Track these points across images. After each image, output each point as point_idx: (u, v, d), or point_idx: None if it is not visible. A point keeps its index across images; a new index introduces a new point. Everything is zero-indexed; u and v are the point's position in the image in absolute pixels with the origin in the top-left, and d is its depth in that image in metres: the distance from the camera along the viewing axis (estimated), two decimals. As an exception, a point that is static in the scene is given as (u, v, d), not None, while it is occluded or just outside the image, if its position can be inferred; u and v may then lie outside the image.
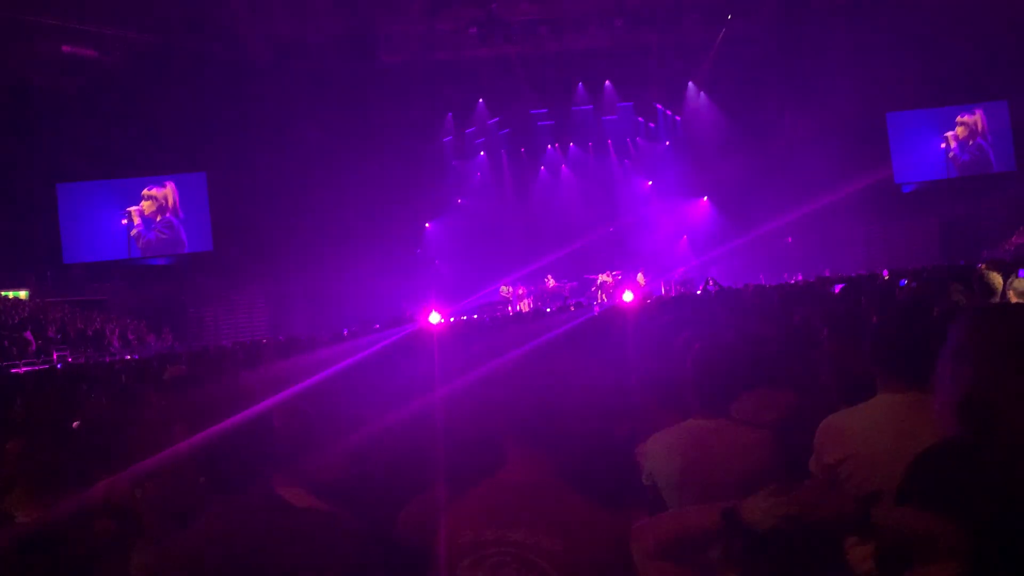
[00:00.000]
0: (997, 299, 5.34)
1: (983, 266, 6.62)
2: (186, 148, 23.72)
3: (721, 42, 24.50)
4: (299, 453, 2.50)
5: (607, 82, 25.68)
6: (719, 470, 2.69)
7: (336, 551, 1.95)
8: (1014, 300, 5.22)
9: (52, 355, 18.75)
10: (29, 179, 22.76)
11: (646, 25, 23.74)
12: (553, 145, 26.72)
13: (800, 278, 19.89)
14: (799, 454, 2.75)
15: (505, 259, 24.87)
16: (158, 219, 24.90)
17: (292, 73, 23.04)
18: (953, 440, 1.66)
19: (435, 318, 15.07)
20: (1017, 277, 5.59)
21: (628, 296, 22.92)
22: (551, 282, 24.03)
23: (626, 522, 2.04)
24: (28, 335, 19.39)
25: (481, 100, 25.77)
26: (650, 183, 26.79)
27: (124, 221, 24.41)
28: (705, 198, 25.93)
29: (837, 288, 9.01)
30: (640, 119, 26.92)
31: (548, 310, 19.97)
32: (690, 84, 26.17)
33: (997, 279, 5.43)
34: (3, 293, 22.27)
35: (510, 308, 22.66)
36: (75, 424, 4.89)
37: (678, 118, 26.65)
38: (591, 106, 26.37)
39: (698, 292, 16.64)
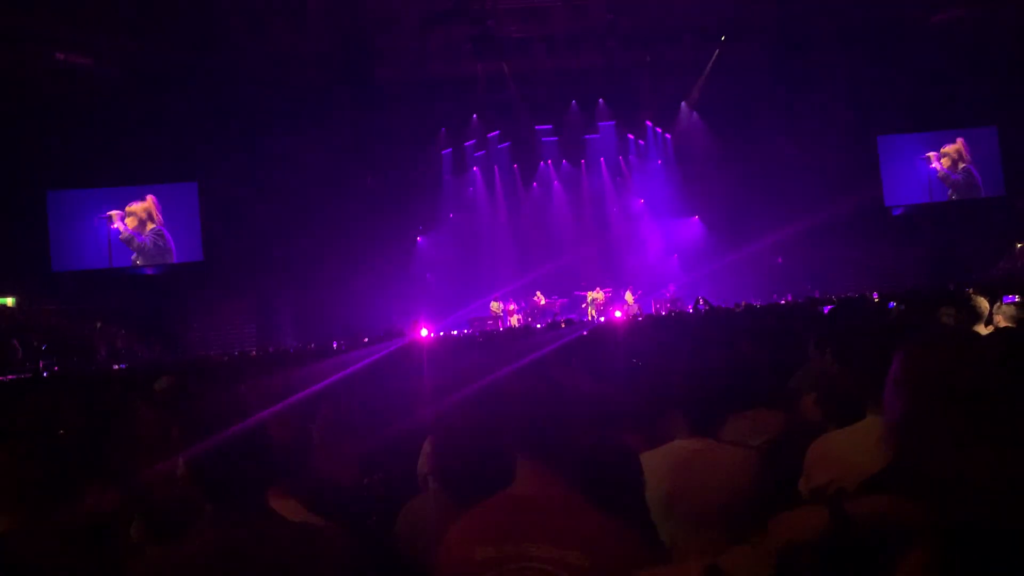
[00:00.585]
0: (983, 323, 5.37)
1: (971, 290, 6.67)
2: (177, 158, 23.66)
3: (714, 63, 24.67)
4: (294, 465, 2.49)
5: (600, 100, 25.79)
6: (707, 492, 2.68)
7: (330, 565, 1.95)
8: (1002, 324, 5.26)
9: (39, 363, 18.62)
10: (19, 186, 22.65)
11: (640, 45, 23.87)
12: (545, 162, 26.79)
13: (790, 298, 19.96)
14: (788, 476, 2.75)
15: (496, 275, 24.89)
16: (147, 230, 24.83)
17: (285, 85, 23.05)
18: (888, 469, 1.70)
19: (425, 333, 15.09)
20: (1003, 302, 5.63)
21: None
22: (541, 299, 24.05)
23: (639, 533, 2.04)
24: (15, 343, 19.27)
25: (475, 115, 25.85)
26: (641, 201, 26.86)
27: (113, 226, 24.29)
28: (696, 217, 26.02)
29: (826, 309, 9.05)
30: (631, 137, 27.03)
31: (538, 326, 20.00)
32: (682, 104, 26.32)
33: (984, 303, 5.47)
34: (-9, 301, 22.16)
35: (500, 324, 22.64)
36: (60, 432, 4.86)
37: (669, 137, 26.78)
38: (583, 124, 26.46)
39: (688, 311, 16.67)
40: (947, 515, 1.50)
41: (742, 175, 24.47)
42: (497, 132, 26.24)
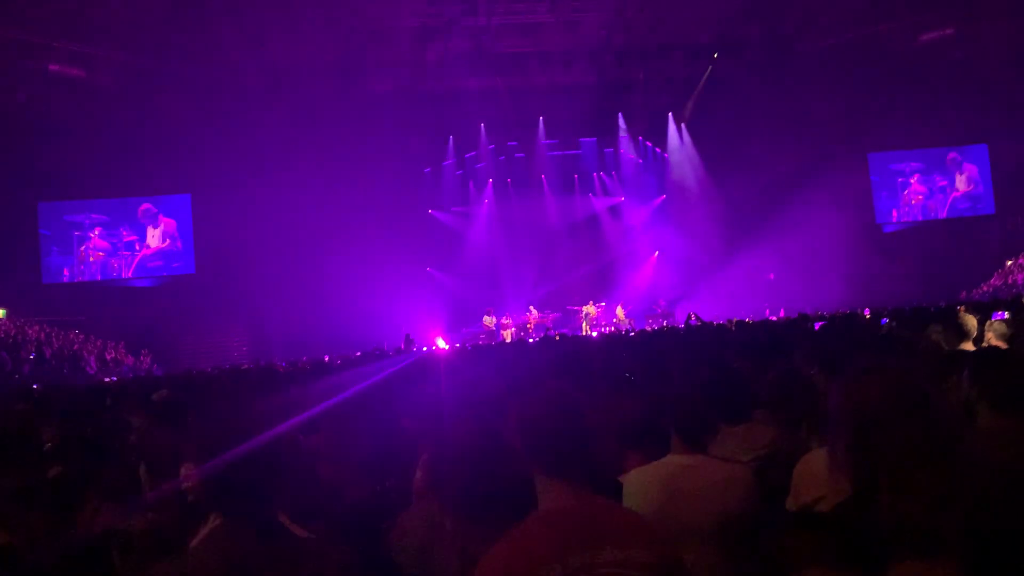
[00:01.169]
0: (971, 341, 5.40)
1: (961, 308, 6.70)
2: (171, 170, 23.62)
3: (707, 80, 24.81)
4: (298, 484, 2.50)
5: (594, 117, 25.82)
6: (698, 506, 2.69)
7: None
8: (993, 342, 5.28)
9: (28, 376, 18.53)
10: (10, 197, 22.59)
11: (634, 61, 24.01)
12: (539, 176, 26.84)
13: (782, 314, 20.01)
14: (778, 491, 2.76)
15: (490, 288, 24.89)
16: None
17: (281, 98, 23.05)
18: (848, 502, 1.74)
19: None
20: (993, 319, 5.66)
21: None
22: (534, 313, 24.05)
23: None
24: (4, 355, 19.17)
25: (468, 129, 25.91)
26: (635, 217, 26.93)
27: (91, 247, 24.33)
28: (688, 233, 26.06)
29: (818, 326, 9.08)
30: (626, 154, 27.12)
31: (531, 340, 19.99)
32: (675, 120, 26.45)
33: (972, 321, 5.50)
34: (-20, 312, 22.05)
35: (493, 338, 22.63)
36: (47, 444, 4.84)
37: (664, 153, 26.88)
38: (577, 139, 26.55)
39: (680, 327, 16.69)
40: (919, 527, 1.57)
41: (734, 191, 24.58)
42: (490, 147, 26.29)
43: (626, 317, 23.79)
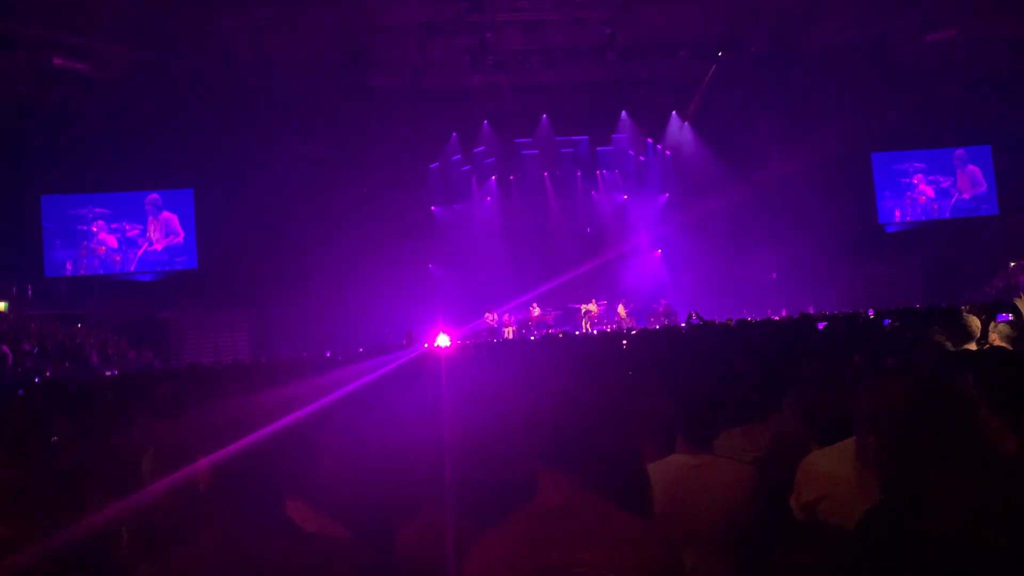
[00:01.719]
0: (974, 342, 5.39)
1: (964, 309, 6.69)
2: (174, 164, 23.63)
3: (711, 78, 24.78)
4: (310, 472, 2.50)
5: (597, 114, 25.86)
6: (702, 505, 2.69)
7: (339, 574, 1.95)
8: (997, 343, 5.27)
9: (30, 369, 18.54)
10: (13, 189, 22.61)
11: (638, 59, 23.97)
12: (542, 174, 26.84)
13: (784, 314, 20.00)
14: (781, 490, 2.76)
15: (491, 286, 24.88)
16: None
17: (284, 93, 23.07)
18: (885, 504, 1.71)
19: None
20: (998, 321, 5.64)
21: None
22: (536, 310, 24.05)
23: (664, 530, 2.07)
24: (5, 349, 19.17)
25: (471, 126, 25.92)
26: (638, 215, 26.91)
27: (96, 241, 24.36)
28: (691, 231, 26.04)
29: (820, 326, 9.07)
30: (629, 151, 27.12)
31: (532, 338, 20.00)
32: (678, 119, 26.44)
33: (975, 322, 5.49)
34: (-18, 305, 22.07)
35: (495, 335, 22.64)
36: (53, 439, 4.85)
37: (667, 151, 26.87)
38: (582, 137, 26.55)
39: (682, 326, 16.68)
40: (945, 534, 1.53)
41: (737, 190, 24.57)
42: (493, 144, 26.29)
43: (628, 315, 23.79)
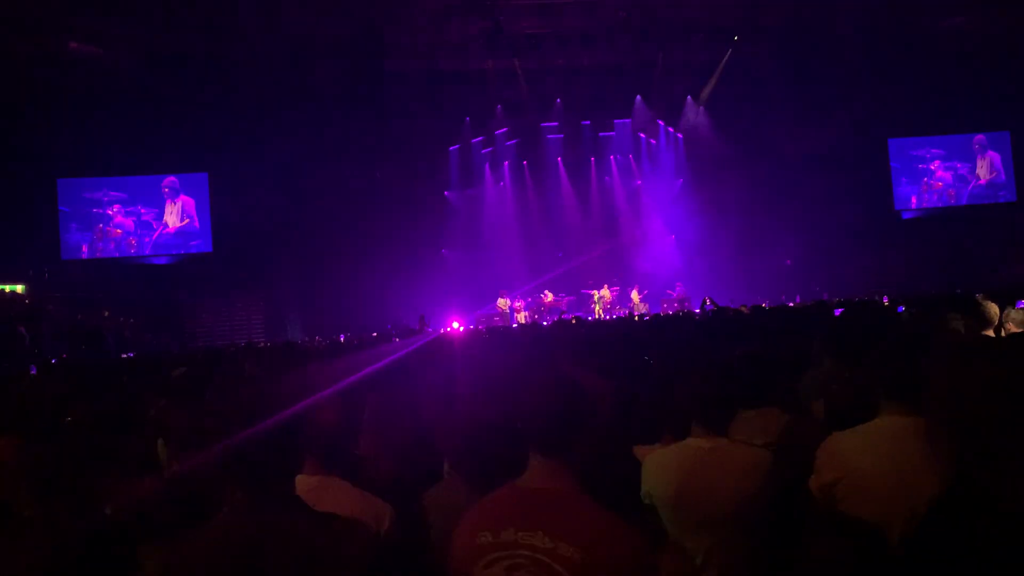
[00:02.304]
0: (992, 329, 5.35)
1: (980, 295, 6.64)
2: (188, 148, 23.70)
3: (726, 63, 24.59)
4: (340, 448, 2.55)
5: (609, 98, 25.69)
6: (716, 490, 2.68)
7: (352, 553, 1.97)
8: (1013, 330, 5.24)
9: (46, 351, 18.71)
10: (30, 173, 22.74)
11: (652, 43, 23.80)
12: (555, 159, 26.76)
13: (799, 300, 19.93)
14: (796, 475, 2.75)
15: (504, 271, 24.89)
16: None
17: (298, 77, 23.07)
18: (963, 484, 1.67)
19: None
20: (1015, 307, 5.60)
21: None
22: (548, 296, 24.04)
23: (642, 534, 2.06)
24: (22, 331, 19.34)
25: (484, 111, 25.83)
26: (652, 200, 26.80)
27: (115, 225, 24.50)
28: (705, 217, 25.92)
29: (836, 312, 9.02)
30: (643, 136, 26.99)
31: (545, 323, 20.01)
32: (693, 104, 26.25)
33: (993, 309, 5.45)
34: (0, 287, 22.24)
35: (507, 321, 22.65)
36: (67, 420, 4.89)
37: (681, 136, 26.72)
38: (595, 121, 26.43)
39: (696, 311, 16.64)
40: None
41: (752, 176, 24.40)
42: (507, 128, 26.21)
43: (641, 301, 23.74)
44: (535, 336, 9.04)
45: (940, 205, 26.79)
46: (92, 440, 3.75)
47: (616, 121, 26.55)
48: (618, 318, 18.87)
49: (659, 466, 2.83)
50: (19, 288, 22.65)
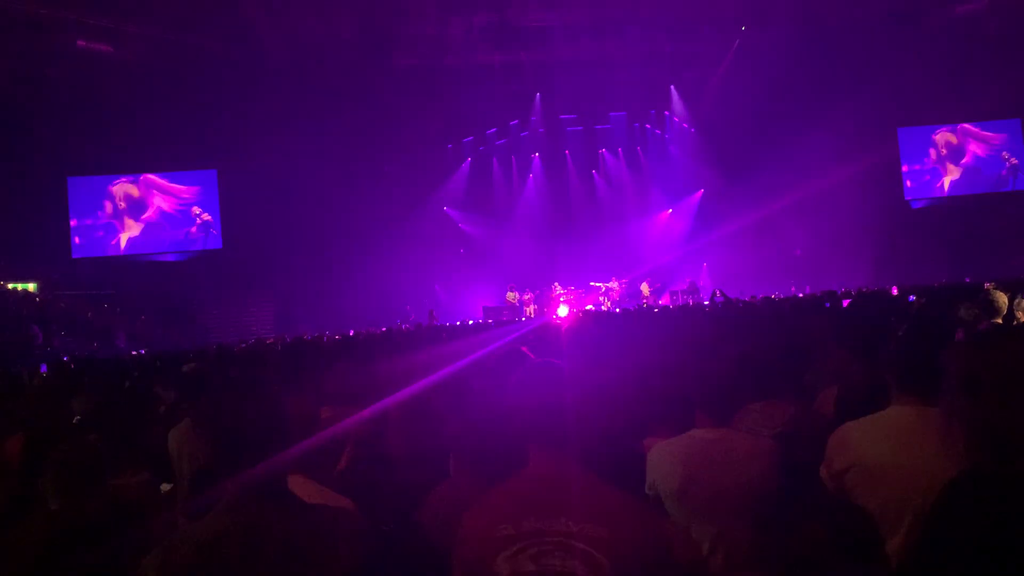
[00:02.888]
0: (1002, 319, 5.34)
1: (990, 285, 6.62)
2: (198, 145, 23.76)
3: (734, 53, 24.48)
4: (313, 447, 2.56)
5: (619, 90, 25.59)
6: (721, 480, 2.69)
7: (346, 545, 1.99)
8: (1022, 319, 5.22)
9: (58, 348, 18.83)
10: (40, 171, 22.85)
11: (660, 34, 23.70)
12: (564, 152, 26.73)
13: (808, 291, 19.87)
14: (801, 465, 2.76)
15: (513, 264, 24.90)
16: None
17: (306, 73, 23.08)
18: (977, 469, 1.66)
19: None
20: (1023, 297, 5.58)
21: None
22: (557, 289, 24.02)
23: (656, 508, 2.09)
24: (35, 328, 19.48)
25: (494, 104, 25.75)
26: (660, 193, 26.74)
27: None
28: (714, 208, 25.83)
29: (845, 303, 9.00)
30: (651, 127, 26.92)
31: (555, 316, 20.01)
32: (702, 95, 26.13)
33: (1003, 299, 5.43)
34: (11, 286, 22.36)
35: (516, 314, 22.65)
36: (76, 418, 4.93)
37: (690, 128, 26.62)
38: (603, 114, 26.37)
39: (705, 303, 16.62)
40: None
41: (761, 166, 24.26)
42: (515, 121, 26.19)
43: (651, 294, 23.70)
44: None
45: (951, 194, 26.62)
46: (105, 435, 3.79)
47: (625, 113, 26.49)
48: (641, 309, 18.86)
49: (664, 457, 2.84)
50: (31, 286, 22.79)
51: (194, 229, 25.27)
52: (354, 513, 2.25)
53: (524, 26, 22.89)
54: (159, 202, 25.10)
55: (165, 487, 3.94)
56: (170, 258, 25.31)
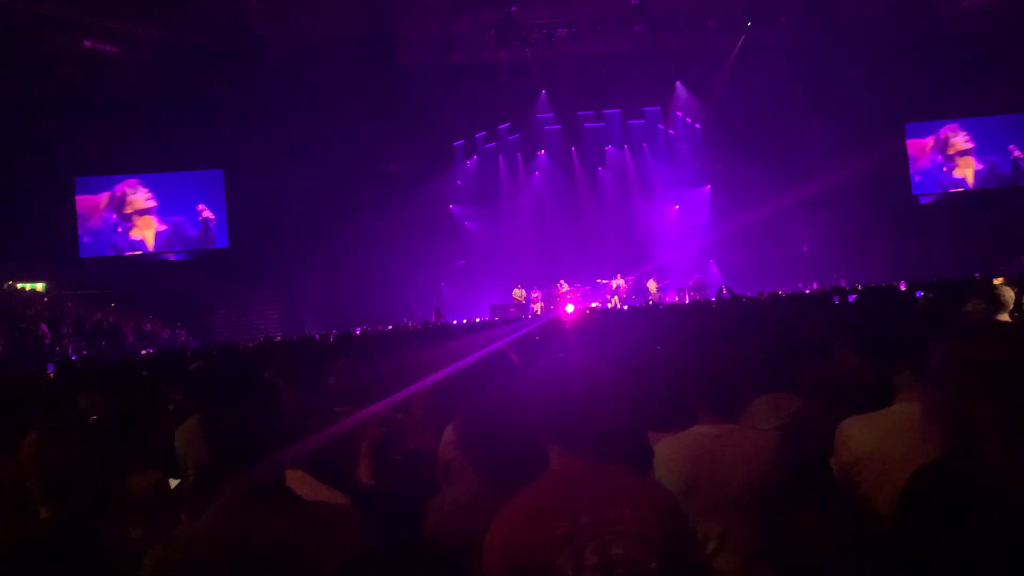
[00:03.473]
0: (1008, 313, 5.31)
1: (998, 280, 6.59)
2: (204, 145, 23.82)
3: (741, 49, 24.41)
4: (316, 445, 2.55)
5: (624, 88, 25.54)
6: (726, 475, 2.69)
7: (344, 544, 1.99)
8: (1029, 314, 5.20)
9: (67, 348, 18.89)
10: (48, 172, 22.94)
11: (666, 30, 23.67)
12: (570, 149, 26.70)
13: (815, 287, 19.80)
14: (806, 460, 2.75)
15: (519, 261, 24.88)
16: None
17: (311, 72, 23.10)
18: (945, 458, 1.69)
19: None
20: (1033, 291, 5.55)
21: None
22: (564, 286, 23.99)
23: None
24: (44, 327, 19.55)
25: (500, 102, 25.76)
26: (666, 189, 26.68)
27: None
28: (721, 204, 25.77)
29: (852, 298, 8.97)
30: (659, 126, 26.87)
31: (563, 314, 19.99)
32: (709, 91, 26.07)
33: (1010, 294, 5.40)
34: (20, 285, 22.45)
35: (523, 311, 22.64)
36: (93, 418, 4.94)
37: (696, 124, 26.57)
38: (608, 111, 26.34)
39: (712, 300, 16.58)
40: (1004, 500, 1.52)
41: (768, 162, 24.21)
42: (521, 118, 26.16)
43: (658, 291, 23.67)
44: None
45: (958, 189, 26.52)
46: (113, 435, 3.80)
47: (630, 110, 26.44)
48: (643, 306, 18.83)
49: (668, 453, 2.83)
50: (39, 286, 22.88)
51: (200, 228, 25.32)
52: (350, 510, 2.26)
53: (529, 23, 22.87)
54: (166, 201, 25.16)
55: (173, 483, 3.95)
56: (177, 257, 25.38)
